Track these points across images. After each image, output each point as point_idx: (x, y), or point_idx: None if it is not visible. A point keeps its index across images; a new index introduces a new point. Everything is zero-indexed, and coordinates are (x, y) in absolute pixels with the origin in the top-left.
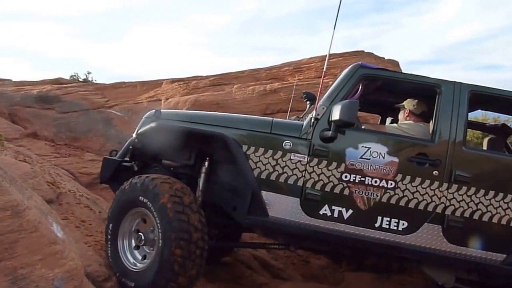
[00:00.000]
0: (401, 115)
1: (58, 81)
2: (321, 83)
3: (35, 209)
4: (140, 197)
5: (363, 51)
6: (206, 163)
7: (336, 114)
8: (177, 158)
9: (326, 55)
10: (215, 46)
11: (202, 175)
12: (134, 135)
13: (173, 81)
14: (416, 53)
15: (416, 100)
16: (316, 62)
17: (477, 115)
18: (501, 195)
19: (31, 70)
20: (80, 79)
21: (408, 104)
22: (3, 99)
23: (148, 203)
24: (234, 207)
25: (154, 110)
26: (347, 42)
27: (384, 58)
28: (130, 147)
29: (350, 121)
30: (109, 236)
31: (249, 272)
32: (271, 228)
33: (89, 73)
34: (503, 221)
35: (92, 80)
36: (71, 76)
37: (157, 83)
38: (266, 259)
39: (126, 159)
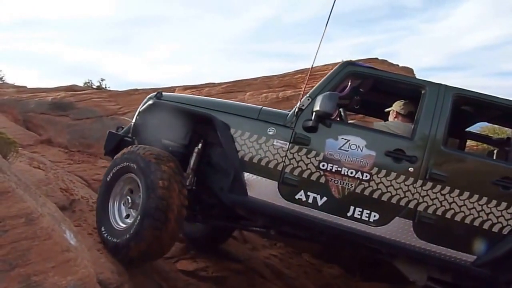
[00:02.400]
0: (390, 117)
1: (72, 88)
2: (305, 81)
3: (49, 216)
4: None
5: (376, 58)
6: (200, 145)
7: (316, 105)
8: (172, 137)
9: (340, 62)
10: (228, 52)
11: (194, 154)
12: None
13: (186, 88)
14: (432, 60)
15: (403, 101)
16: (330, 69)
17: (495, 126)
18: (476, 196)
19: (45, 77)
20: (94, 86)
21: (396, 105)
22: (18, 105)
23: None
24: (221, 187)
25: (157, 92)
26: (362, 48)
27: (398, 65)
28: (132, 123)
29: (327, 112)
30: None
31: (261, 280)
32: (249, 208)
33: (102, 80)
34: (476, 223)
35: (105, 87)
36: (85, 83)
37: (170, 90)
38: (278, 267)
39: (129, 135)
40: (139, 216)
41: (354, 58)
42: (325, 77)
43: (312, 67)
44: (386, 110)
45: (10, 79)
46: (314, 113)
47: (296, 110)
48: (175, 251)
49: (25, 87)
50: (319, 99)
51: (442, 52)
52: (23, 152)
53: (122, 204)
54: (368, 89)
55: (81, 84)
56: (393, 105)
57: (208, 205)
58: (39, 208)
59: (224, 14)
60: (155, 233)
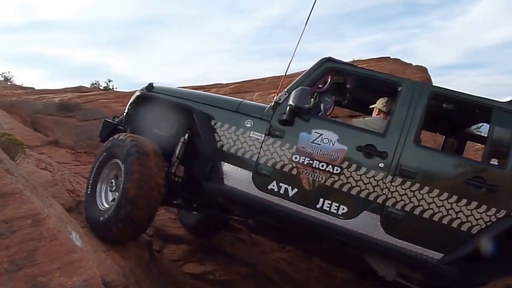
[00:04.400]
0: (373, 114)
1: (79, 89)
2: (282, 79)
3: (55, 217)
4: (106, 151)
5: (389, 57)
6: (186, 135)
7: (290, 99)
8: (159, 127)
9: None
10: (238, 52)
11: (180, 144)
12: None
13: (193, 88)
14: (449, 57)
15: (386, 99)
16: None
17: None
18: (445, 194)
19: (53, 79)
20: (101, 87)
21: (379, 102)
22: (26, 107)
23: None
24: (204, 176)
25: (148, 83)
26: (376, 46)
27: (411, 64)
28: (125, 113)
29: (299, 106)
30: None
31: (269, 284)
32: (225, 196)
33: (110, 81)
34: (444, 221)
35: (112, 88)
36: (92, 84)
37: None
38: (287, 271)
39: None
40: (122, 162)
41: (366, 56)
42: (304, 73)
43: (288, 69)
44: (371, 107)
45: (18, 80)
46: (288, 107)
47: (273, 104)
48: (182, 253)
49: (33, 88)
50: (292, 94)
51: (460, 50)
52: (31, 153)
53: (108, 189)
54: (354, 86)
55: (88, 85)
56: (377, 102)
57: (195, 193)
58: (46, 209)
59: (234, 14)
60: (140, 162)
